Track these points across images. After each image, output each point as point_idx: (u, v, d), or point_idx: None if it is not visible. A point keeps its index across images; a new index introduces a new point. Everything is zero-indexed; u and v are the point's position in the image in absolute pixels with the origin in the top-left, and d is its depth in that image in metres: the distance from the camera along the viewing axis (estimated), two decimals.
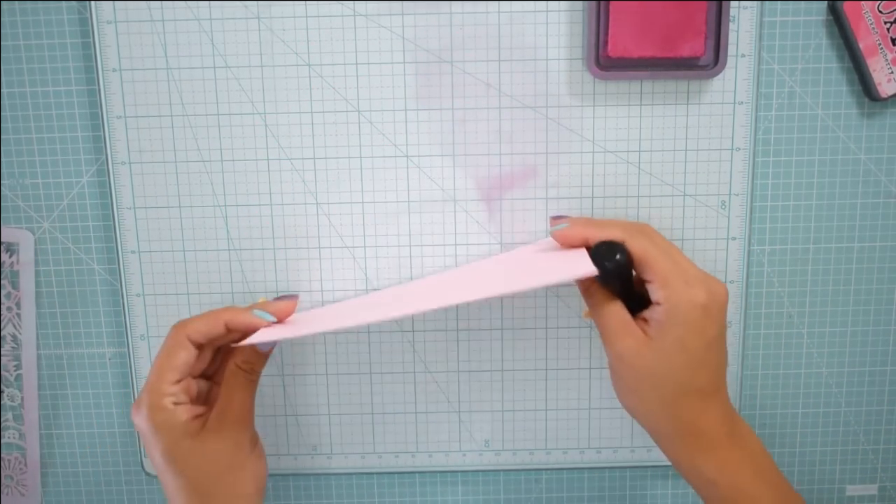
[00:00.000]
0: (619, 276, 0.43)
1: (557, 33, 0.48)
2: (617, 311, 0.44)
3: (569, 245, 0.45)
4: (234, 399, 0.46)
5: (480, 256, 0.51)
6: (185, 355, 0.45)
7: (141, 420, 0.45)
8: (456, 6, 0.48)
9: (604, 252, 0.43)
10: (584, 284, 0.45)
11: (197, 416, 0.45)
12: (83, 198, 0.51)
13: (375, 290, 0.51)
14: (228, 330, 0.46)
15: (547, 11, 0.48)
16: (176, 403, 0.45)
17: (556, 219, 0.47)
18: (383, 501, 0.55)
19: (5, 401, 0.53)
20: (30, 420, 0.53)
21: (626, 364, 0.43)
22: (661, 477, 0.55)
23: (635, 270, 0.43)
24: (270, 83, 0.49)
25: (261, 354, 0.48)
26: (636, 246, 0.43)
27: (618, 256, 0.43)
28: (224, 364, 0.48)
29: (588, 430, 0.53)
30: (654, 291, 0.42)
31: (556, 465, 0.54)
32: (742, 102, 0.49)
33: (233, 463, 0.46)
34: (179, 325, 0.46)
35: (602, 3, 0.46)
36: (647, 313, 0.43)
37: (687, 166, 0.50)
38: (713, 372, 0.43)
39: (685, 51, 0.47)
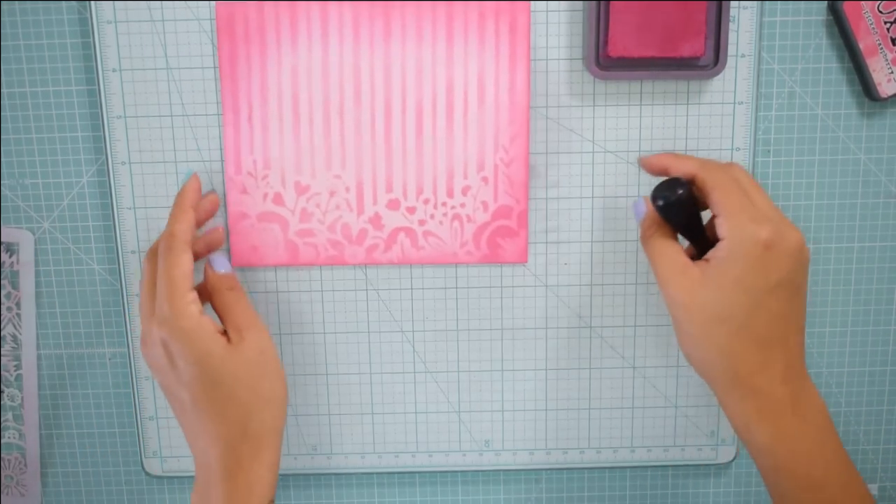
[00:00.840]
0: (677, 214, 0.42)
1: (557, 33, 0.48)
2: (669, 251, 0.42)
3: (649, 170, 0.46)
4: (237, 311, 0.45)
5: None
6: (188, 259, 0.44)
7: (168, 331, 0.42)
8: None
9: (664, 188, 0.42)
10: (644, 226, 0.44)
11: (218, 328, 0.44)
12: (83, 198, 0.51)
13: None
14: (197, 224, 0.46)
15: (547, 11, 0.48)
16: (200, 313, 0.43)
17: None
18: (383, 501, 0.55)
19: (5, 401, 0.53)
20: (30, 420, 0.53)
21: (680, 306, 0.41)
22: (661, 477, 0.55)
23: (708, 206, 0.42)
24: None
25: (224, 274, 0.47)
26: (709, 178, 0.41)
27: (679, 191, 0.42)
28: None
29: (588, 430, 0.53)
30: (720, 226, 0.41)
31: (556, 465, 0.54)
32: (742, 102, 0.49)
33: (264, 370, 0.45)
34: (167, 235, 0.44)
35: (602, 3, 0.46)
36: (710, 253, 0.41)
37: None
38: (776, 319, 0.40)
39: (685, 51, 0.47)
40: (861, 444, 0.54)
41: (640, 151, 0.50)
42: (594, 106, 0.49)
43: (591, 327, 0.52)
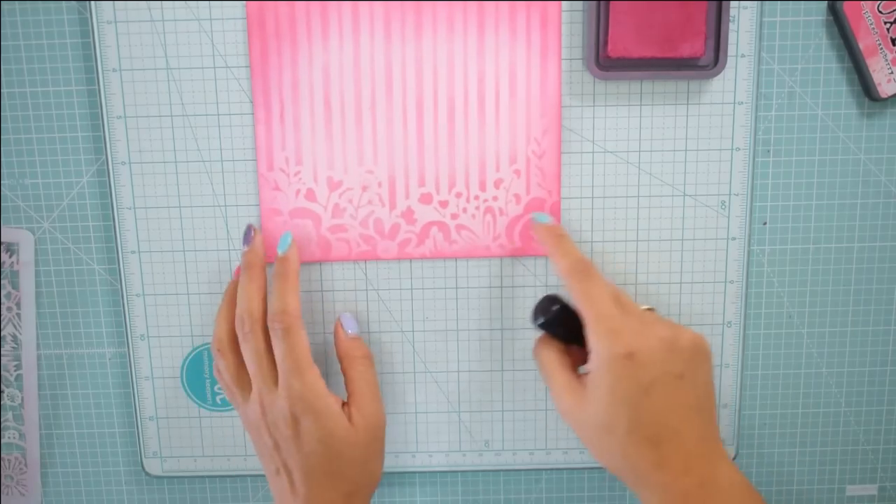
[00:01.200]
0: (557, 329, 0.45)
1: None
2: (554, 367, 0.45)
3: (537, 238, 0.48)
4: (363, 385, 0.48)
5: (478, 264, 0.51)
6: (306, 334, 0.46)
7: (301, 408, 0.45)
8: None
9: (541, 307, 0.46)
10: (536, 346, 0.47)
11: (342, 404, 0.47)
12: (83, 198, 0.51)
13: (374, 289, 0.51)
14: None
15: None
16: (326, 391, 0.46)
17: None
18: (383, 501, 0.55)
19: (5, 401, 0.53)
20: (30, 420, 0.53)
21: (570, 420, 0.44)
22: None
23: None
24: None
25: (354, 337, 0.49)
26: (574, 289, 0.43)
27: (553, 308, 0.45)
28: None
29: None
30: (587, 338, 0.43)
31: (556, 465, 0.54)
32: (742, 102, 0.49)
33: (376, 450, 0.47)
34: (281, 313, 0.45)
35: (602, 3, 0.46)
36: (587, 366, 0.43)
37: (687, 166, 0.50)
38: (661, 417, 0.41)
39: (685, 51, 0.47)
40: (861, 445, 0.54)
41: (640, 151, 0.50)
42: (594, 106, 0.49)
43: None
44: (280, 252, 0.48)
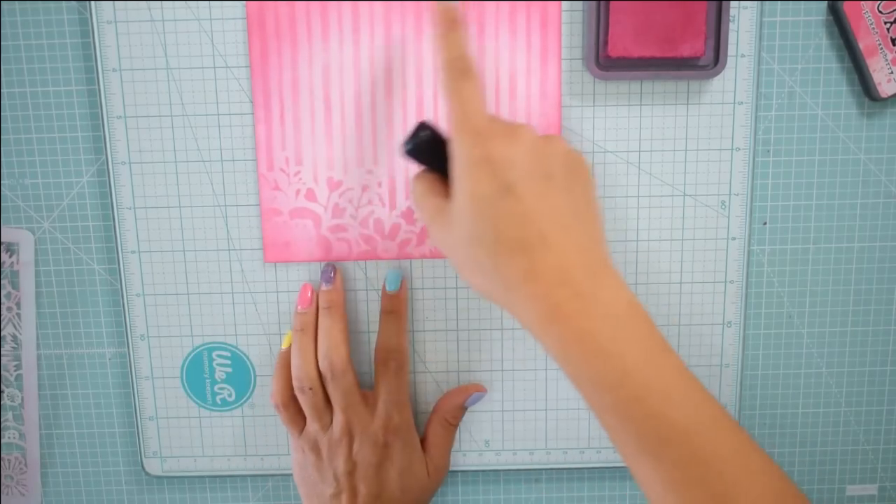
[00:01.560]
0: (428, 156, 0.42)
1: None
2: (422, 194, 0.42)
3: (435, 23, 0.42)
4: (442, 449, 0.51)
5: None
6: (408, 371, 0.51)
7: (401, 441, 0.49)
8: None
9: (410, 134, 0.42)
10: (412, 180, 0.44)
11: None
12: (83, 198, 0.51)
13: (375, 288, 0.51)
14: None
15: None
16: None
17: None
18: None
19: (5, 401, 0.53)
20: (30, 420, 0.53)
21: (442, 245, 0.41)
22: None
23: None
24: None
25: (464, 408, 0.52)
26: (447, 89, 0.40)
27: (422, 134, 0.42)
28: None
29: (588, 430, 0.53)
30: (451, 146, 0.40)
31: (556, 465, 0.54)
32: (742, 102, 0.49)
33: (428, 498, 0.51)
34: (396, 351, 0.49)
35: (602, 3, 0.46)
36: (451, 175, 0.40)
37: (687, 166, 0.50)
38: (526, 222, 0.37)
39: (685, 51, 0.47)
40: (861, 444, 0.54)
41: (640, 151, 0.50)
42: (594, 106, 0.49)
43: None
44: (391, 289, 0.50)
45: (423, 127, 0.43)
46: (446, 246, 0.41)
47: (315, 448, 0.49)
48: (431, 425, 0.51)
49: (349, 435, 0.48)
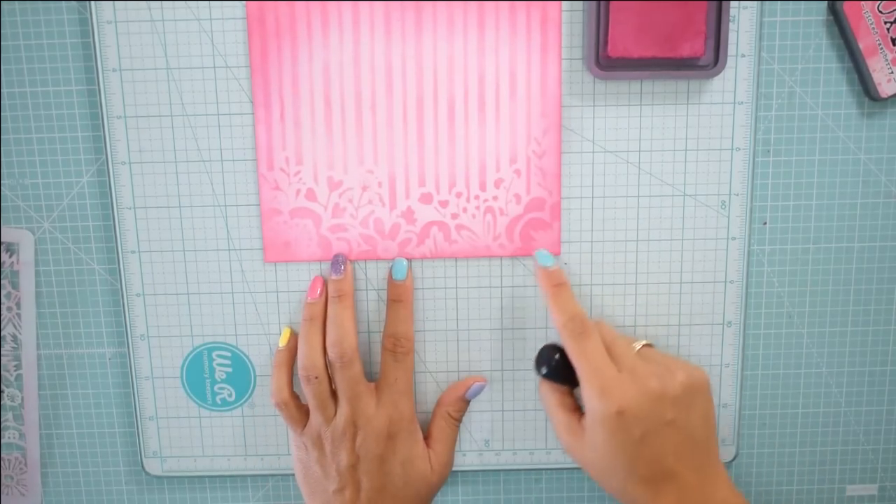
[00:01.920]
0: (561, 377, 0.48)
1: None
2: (555, 409, 0.48)
3: (539, 284, 0.49)
4: (446, 444, 0.51)
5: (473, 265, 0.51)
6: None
7: (399, 427, 0.49)
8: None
9: (541, 357, 0.49)
10: (540, 387, 0.50)
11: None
12: (83, 198, 0.51)
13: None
14: None
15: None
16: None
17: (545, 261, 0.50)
18: None
19: (5, 401, 0.53)
20: (30, 420, 0.53)
21: (573, 456, 0.47)
22: None
23: None
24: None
25: (466, 401, 0.52)
26: (567, 346, 0.46)
27: (556, 357, 0.48)
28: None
29: None
30: (583, 394, 0.46)
31: (556, 465, 0.54)
32: (742, 102, 0.49)
33: (432, 493, 0.51)
34: (406, 339, 0.50)
35: (602, 3, 0.46)
36: (585, 417, 0.46)
37: (687, 166, 0.50)
38: (654, 463, 0.44)
39: (685, 51, 0.47)
40: (861, 444, 0.54)
41: (640, 151, 0.50)
42: (594, 106, 0.49)
43: None
44: (397, 278, 0.50)
45: (554, 349, 0.48)
46: (575, 457, 0.47)
47: (318, 443, 0.49)
48: (435, 420, 0.52)
49: (353, 426, 0.48)
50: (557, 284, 0.48)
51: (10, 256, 0.51)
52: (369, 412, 0.49)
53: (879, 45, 0.48)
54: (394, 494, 0.49)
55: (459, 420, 0.52)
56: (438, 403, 0.52)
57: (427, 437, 0.51)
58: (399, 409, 0.49)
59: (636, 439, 0.44)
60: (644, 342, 0.49)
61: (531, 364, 0.52)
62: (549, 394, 0.49)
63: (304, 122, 0.49)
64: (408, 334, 0.50)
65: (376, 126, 0.49)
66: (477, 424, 0.53)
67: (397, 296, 0.50)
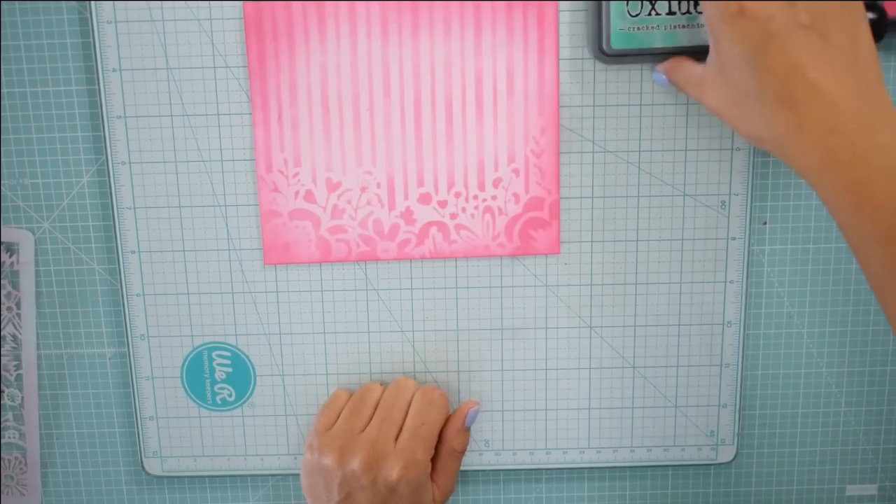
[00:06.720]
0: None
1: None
2: (682, 67, 0.44)
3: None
4: (451, 477, 0.50)
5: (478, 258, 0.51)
6: None
7: (411, 476, 0.47)
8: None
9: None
10: (667, 68, 0.46)
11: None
12: (83, 198, 0.51)
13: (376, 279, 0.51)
14: None
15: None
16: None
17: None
18: None
19: (5, 401, 0.53)
20: (30, 420, 0.53)
21: (712, 109, 0.42)
22: (661, 477, 0.55)
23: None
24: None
25: (468, 430, 0.52)
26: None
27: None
28: None
29: (588, 430, 0.53)
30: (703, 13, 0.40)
31: (556, 465, 0.54)
32: None
33: None
34: (439, 392, 0.50)
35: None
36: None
37: (687, 166, 0.50)
38: (790, 71, 0.36)
39: None
40: (861, 444, 0.54)
41: (640, 151, 0.50)
42: (594, 106, 0.49)
43: (591, 327, 0.52)
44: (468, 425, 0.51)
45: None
46: (712, 105, 0.41)
47: (332, 449, 0.48)
48: (440, 457, 0.50)
49: (368, 465, 0.47)
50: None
51: (10, 256, 0.51)
52: (384, 452, 0.47)
53: None
54: None
55: (464, 452, 0.51)
56: (441, 440, 0.51)
57: (432, 473, 0.50)
58: (416, 459, 0.47)
59: (763, 42, 0.36)
60: None
61: (531, 364, 0.52)
62: (674, 64, 0.45)
63: (302, 123, 0.49)
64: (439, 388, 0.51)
65: (374, 127, 0.49)
66: (477, 424, 0.53)
67: (463, 447, 0.51)
